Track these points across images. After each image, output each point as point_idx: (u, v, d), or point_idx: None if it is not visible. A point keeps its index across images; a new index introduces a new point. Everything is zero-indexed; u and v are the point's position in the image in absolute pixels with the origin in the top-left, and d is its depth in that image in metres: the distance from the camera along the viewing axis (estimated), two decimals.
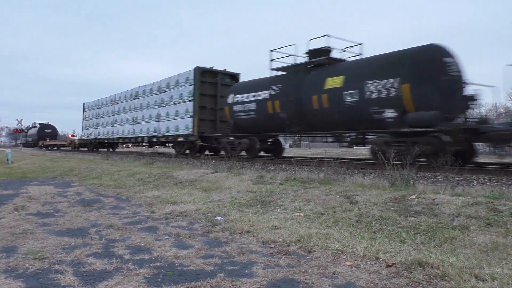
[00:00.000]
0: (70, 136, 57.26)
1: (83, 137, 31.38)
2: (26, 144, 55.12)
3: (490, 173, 7.10)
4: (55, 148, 42.21)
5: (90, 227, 4.31)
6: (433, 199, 4.28)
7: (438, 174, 6.96)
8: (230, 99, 14.12)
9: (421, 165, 7.66)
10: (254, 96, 13.02)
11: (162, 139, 18.49)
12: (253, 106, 13.01)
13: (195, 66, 16.35)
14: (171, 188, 7.54)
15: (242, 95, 13.56)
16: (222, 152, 15.36)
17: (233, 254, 3.26)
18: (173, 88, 17.72)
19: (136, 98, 21.74)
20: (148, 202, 6.04)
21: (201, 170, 9.14)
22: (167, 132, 17.87)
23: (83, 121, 31.84)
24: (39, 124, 53.06)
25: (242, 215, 4.76)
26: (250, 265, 2.97)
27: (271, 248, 3.44)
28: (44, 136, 48.40)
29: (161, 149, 22.46)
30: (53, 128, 52.02)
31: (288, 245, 3.50)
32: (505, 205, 3.78)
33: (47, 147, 43.44)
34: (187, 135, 16.18)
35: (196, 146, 16.37)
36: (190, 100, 16.21)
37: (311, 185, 5.93)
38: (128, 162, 14.68)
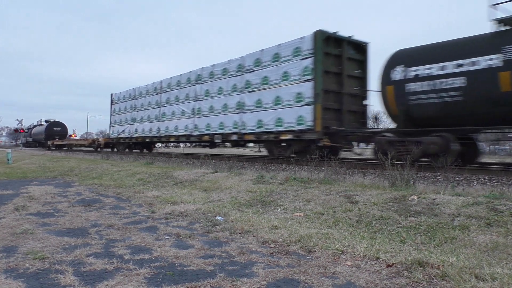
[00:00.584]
0: (73, 135, 56.02)
1: (112, 135, 25.45)
2: (27, 144, 51.71)
3: (490, 173, 7.09)
4: (65, 148, 35.95)
5: (90, 227, 4.31)
6: (433, 199, 4.28)
7: (438, 174, 6.96)
8: (396, 74, 9.36)
9: (421, 165, 7.65)
10: (458, 65, 8.29)
11: (249, 137, 13.31)
12: (458, 82, 8.31)
13: (315, 30, 11.15)
14: (171, 188, 7.54)
15: (428, 66, 8.82)
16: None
17: (233, 254, 3.26)
18: (268, 65, 12.58)
19: (197, 83, 16.20)
20: (148, 202, 6.05)
21: (201, 170, 9.15)
22: (258, 127, 12.76)
23: (111, 116, 25.60)
24: (46, 121, 47.35)
25: (242, 215, 4.76)
26: (250, 265, 2.98)
27: (271, 248, 3.44)
28: (53, 135, 42.40)
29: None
30: (63, 126, 45.85)
31: (288, 245, 3.50)
32: (505, 205, 3.78)
33: (57, 148, 37.48)
34: (301, 131, 11.20)
35: (315, 148, 10.57)
36: (305, 80, 11.18)
37: (311, 185, 5.93)
38: (128, 162, 14.69)
